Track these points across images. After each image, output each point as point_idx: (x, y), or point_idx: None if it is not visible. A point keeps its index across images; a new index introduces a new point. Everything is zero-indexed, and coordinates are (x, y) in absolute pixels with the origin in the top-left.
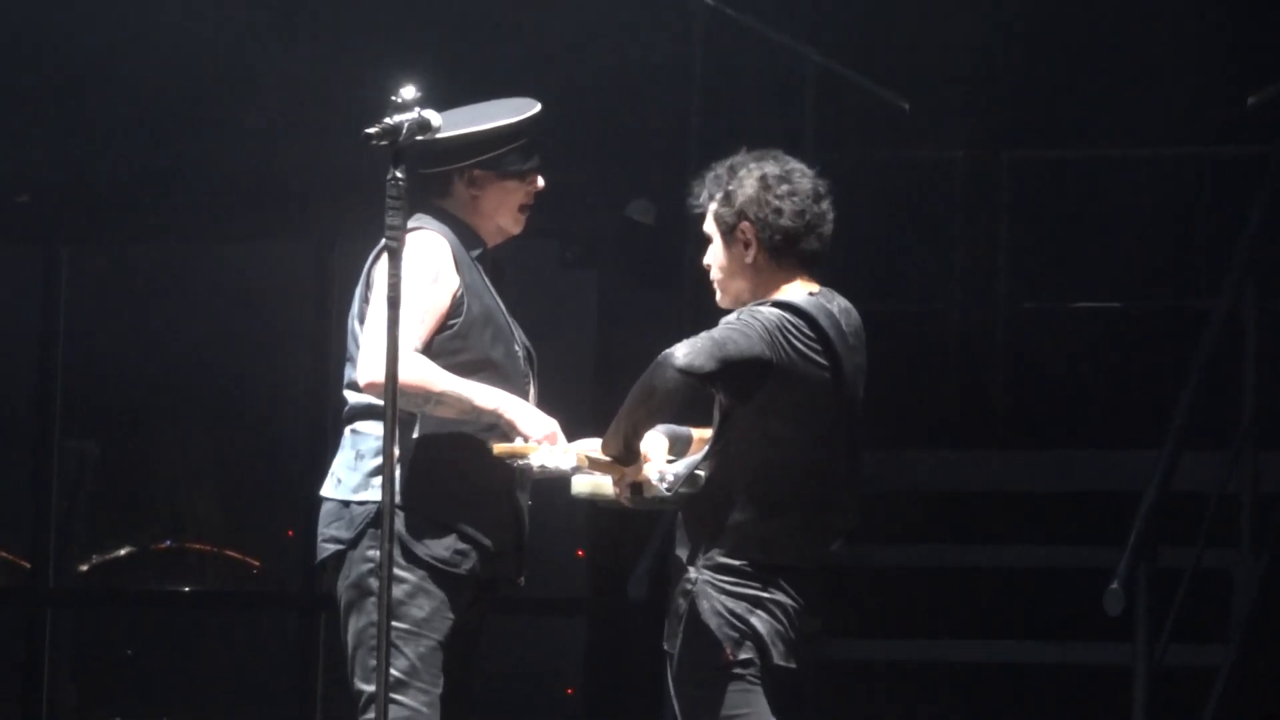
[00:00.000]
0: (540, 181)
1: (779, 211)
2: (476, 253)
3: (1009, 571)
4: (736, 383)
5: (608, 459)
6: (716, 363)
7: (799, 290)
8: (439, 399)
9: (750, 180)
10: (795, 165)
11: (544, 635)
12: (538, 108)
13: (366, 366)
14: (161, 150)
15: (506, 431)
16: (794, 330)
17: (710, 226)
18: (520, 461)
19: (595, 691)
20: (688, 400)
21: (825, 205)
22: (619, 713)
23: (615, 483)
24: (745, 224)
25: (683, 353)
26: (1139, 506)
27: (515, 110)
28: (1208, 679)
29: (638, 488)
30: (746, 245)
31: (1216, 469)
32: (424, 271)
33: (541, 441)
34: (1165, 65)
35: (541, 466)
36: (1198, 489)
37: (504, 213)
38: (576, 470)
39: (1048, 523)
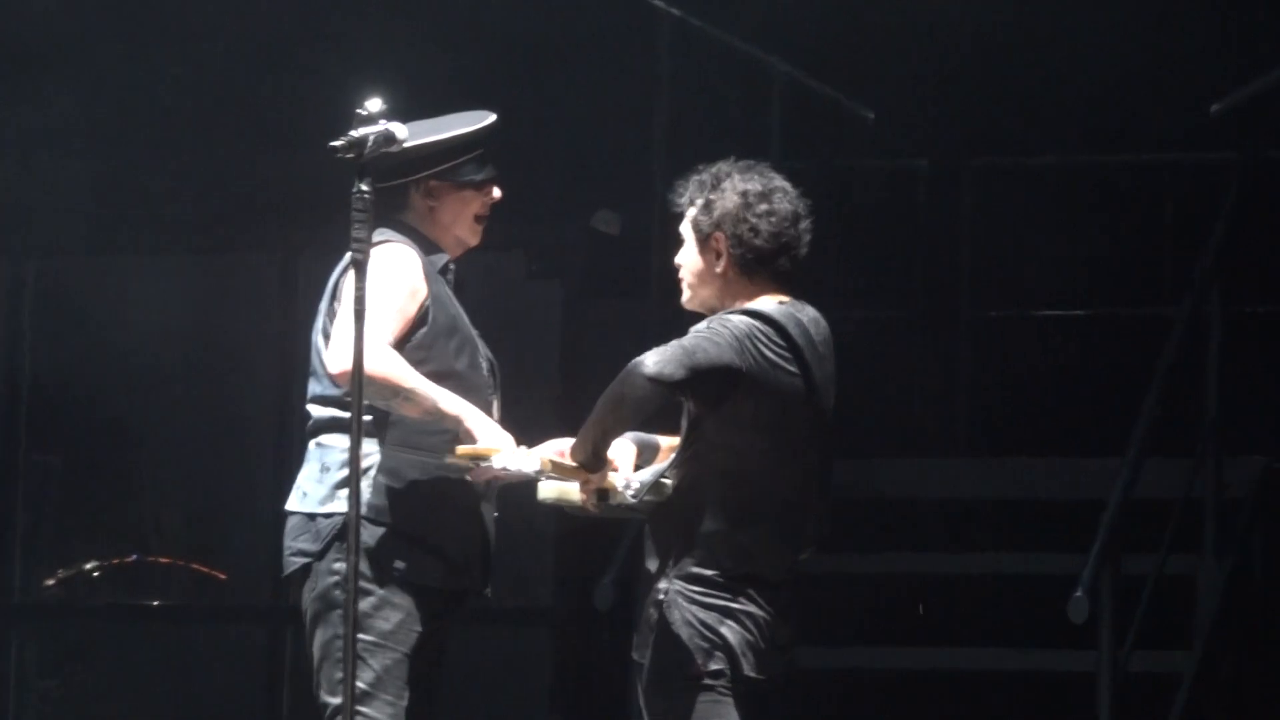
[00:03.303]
0: (497, 192)
1: (755, 231)
2: (440, 264)
3: (973, 579)
4: (706, 391)
5: (572, 465)
6: (686, 371)
7: (768, 300)
8: (407, 395)
9: (732, 195)
10: (779, 184)
11: (512, 645)
12: (493, 118)
13: (336, 355)
14: (127, 163)
15: (464, 440)
16: (764, 338)
17: (686, 229)
18: (483, 463)
19: (563, 702)
20: (657, 409)
21: (803, 227)
22: None
23: (581, 489)
24: (719, 234)
25: (653, 361)
26: (1103, 513)
27: (470, 121)
28: (1172, 685)
29: (604, 494)
30: (718, 255)
31: (1180, 475)
32: (397, 278)
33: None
34: (1129, 73)
35: (504, 468)
36: (1161, 495)
37: (461, 224)
38: (540, 474)
39: (1011, 530)
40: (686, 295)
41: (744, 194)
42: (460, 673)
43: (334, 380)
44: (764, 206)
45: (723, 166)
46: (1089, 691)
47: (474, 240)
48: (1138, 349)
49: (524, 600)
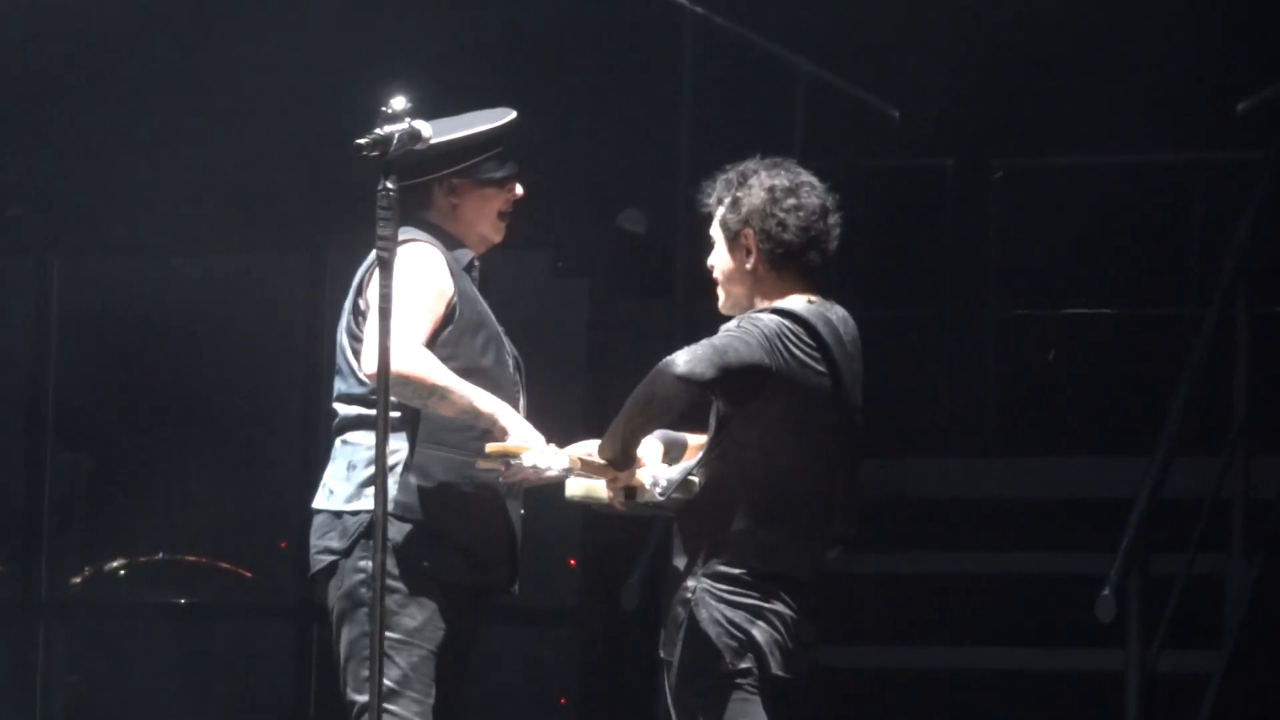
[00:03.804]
0: (519, 189)
1: (783, 225)
2: (465, 261)
3: (1001, 579)
4: (736, 390)
5: (601, 462)
6: (717, 370)
7: (798, 299)
8: (442, 394)
9: (759, 190)
10: (806, 179)
11: (537, 644)
12: (513, 115)
13: (371, 357)
14: (153, 161)
15: (498, 439)
16: (793, 338)
17: (716, 230)
18: (512, 460)
19: (588, 700)
20: (687, 407)
21: (832, 221)
22: None
23: (609, 486)
24: (748, 231)
25: (683, 360)
26: (1131, 513)
27: (491, 119)
28: (1200, 685)
29: (631, 492)
30: (748, 252)
31: (1208, 475)
32: (424, 278)
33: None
34: (1155, 72)
35: (534, 466)
36: (1189, 495)
37: (484, 220)
38: (568, 472)
39: (1040, 530)
40: (722, 299)
41: (771, 189)
42: (486, 671)
43: (368, 380)
44: (791, 201)
45: (749, 164)
46: (1117, 691)
47: (497, 237)
48: (1165, 348)
49: (550, 599)
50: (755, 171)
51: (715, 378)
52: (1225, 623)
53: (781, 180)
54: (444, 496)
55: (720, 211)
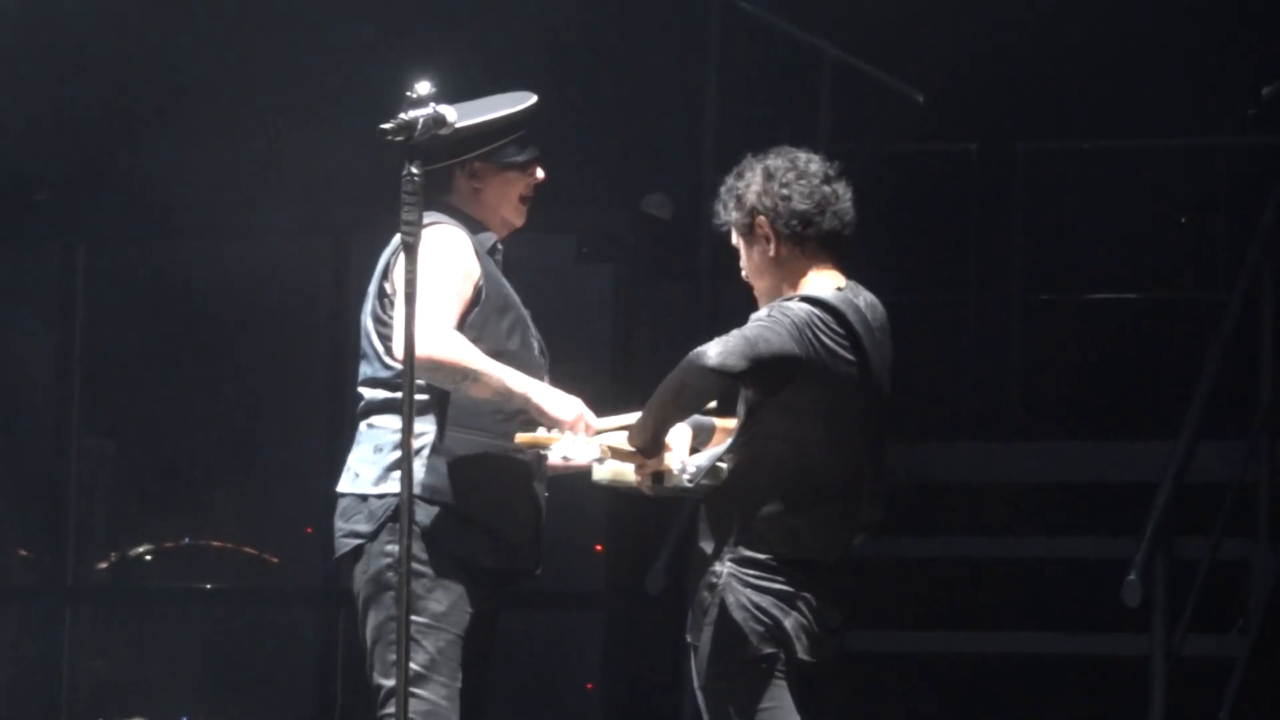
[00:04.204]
0: (540, 173)
1: (787, 197)
2: (489, 245)
3: (1026, 563)
4: (767, 380)
5: (630, 449)
6: (748, 361)
7: (826, 283)
8: (476, 376)
9: (756, 176)
10: (799, 154)
11: (563, 629)
12: (534, 100)
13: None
14: (178, 146)
15: (534, 417)
16: (823, 326)
17: (735, 238)
18: (542, 451)
19: (614, 685)
20: (718, 397)
21: (837, 186)
22: (638, 707)
23: (637, 471)
24: (760, 219)
25: (715, 352)
26: (1156, 497)
27: (511, 103)
28: (1225, 669)
29: (659, 476)
30: (767, 240)
31: (1233, 459)
32: (451, 261)
33: (568, 426)
34: (1180, 56)
35: (564, 457)
36: (1214, 479)
37: (506, 204)
38: (599, 461)
39: (1065, 514)
40: (760, 301)
41: (767, 169)
42: (513, 656)
43: (402, 366)
44: (790, 174)
45: (741, 164)
46: (1142, 675)
47: (519, 221)
48: (1190, 332)
49: (576, 584)
50: (748, 165)
51: (747, 369)
52: (1250, 607)
53: (774, 160)
54: (472, 479)
55: (732, 217)
